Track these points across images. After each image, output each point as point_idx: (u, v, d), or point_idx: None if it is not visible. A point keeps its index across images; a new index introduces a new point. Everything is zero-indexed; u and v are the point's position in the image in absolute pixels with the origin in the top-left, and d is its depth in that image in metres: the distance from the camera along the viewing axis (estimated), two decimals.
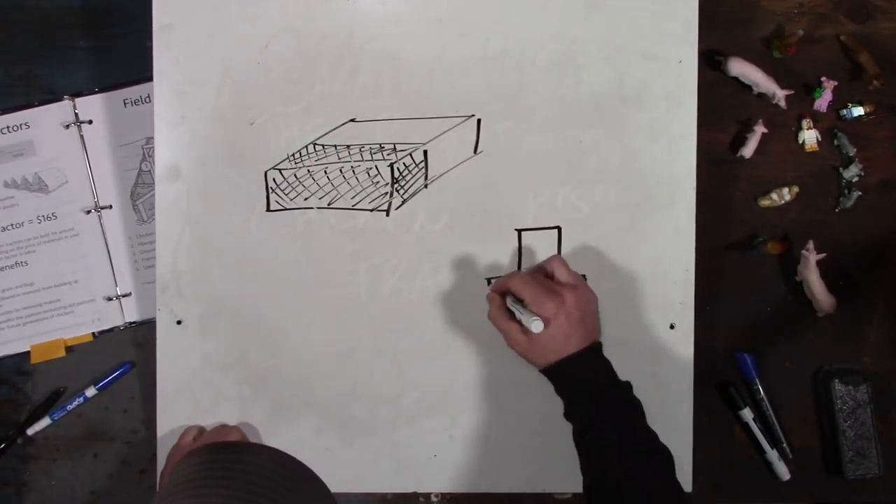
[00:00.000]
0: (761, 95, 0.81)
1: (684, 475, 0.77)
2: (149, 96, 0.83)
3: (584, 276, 0.77)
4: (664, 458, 0.66)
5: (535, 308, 0.68)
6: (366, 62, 0.77)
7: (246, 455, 0.57)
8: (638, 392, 0.77)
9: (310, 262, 0.77)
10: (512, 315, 0.71)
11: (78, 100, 0.83)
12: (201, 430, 0.76)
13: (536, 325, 0.66)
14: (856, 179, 0.82)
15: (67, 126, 0.83)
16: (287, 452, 0.60)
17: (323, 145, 0.77)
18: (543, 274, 0.74)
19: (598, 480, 0.65)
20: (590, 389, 0.68)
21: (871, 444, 0.78)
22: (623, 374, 0.77)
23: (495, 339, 0.77)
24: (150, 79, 0.77)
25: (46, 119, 0.83)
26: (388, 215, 0.77)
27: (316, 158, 0.77)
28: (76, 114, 0.83)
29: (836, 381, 0.79)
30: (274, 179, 0.77)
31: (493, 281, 0.76)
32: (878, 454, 0.78)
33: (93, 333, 0.83)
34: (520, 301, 0.70)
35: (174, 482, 0.56)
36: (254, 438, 0.77)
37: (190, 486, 0.54)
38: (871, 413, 0.79)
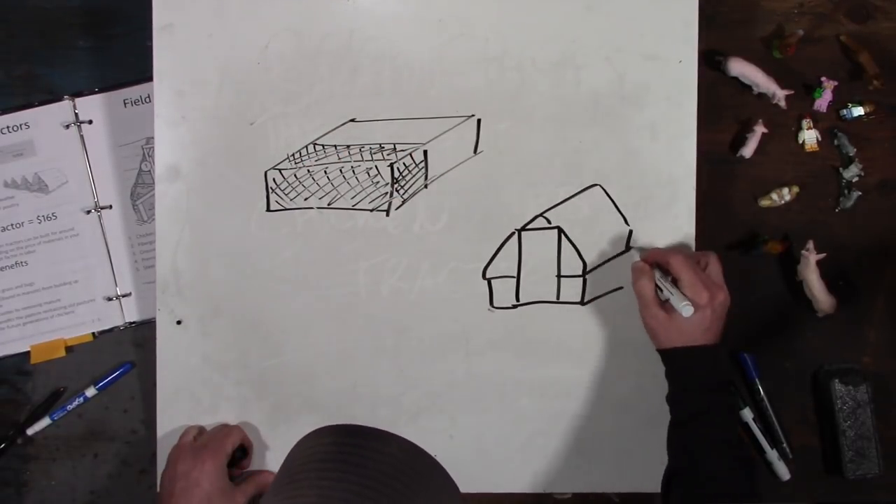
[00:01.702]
0: (761, 95, 0.81)
1: None
2: (149, 96, 0.83)
3: (584, 278, 0.77)
4: (752, 469, 0.68)
5: (690, 293, 0.68)
6: (366, 62, 0.77)
7: (377, 442, 0.55)
8: (638, 392, 0.77)
9: (310, 262, 0.77)
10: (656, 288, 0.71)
11: (78, 100, 0.83)
12: (201, 429, 0.76)
13: (686, 310, 0.66)
14: (856, 179, 0.82)
15: (67, 126, 0.83)
16: (414, 443, 0.58)
17: (323, 145, 0.77)
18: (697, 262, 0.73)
19: (687, 469, 0.67)
20: (706, 384, 0.69)
21: (871, 443, 0.78)
22: (623, 373, 0.77)
23: (495, 339, 0.77)
24: (150, 79, 0.77)
25: (46, 119, 0.83)
26: (388, 215, 0.77)
27: (316, 158, 0.77)
28: (76, 114, 0.83)
29: (836, 380, 0.79)
30: (274, 179, 0.77)
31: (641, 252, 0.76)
32: (878, 454, 0.78)
33: (93, 333, 0.83)
34: (668, 279, 0.70)
35: (301, 459, 0.54)
36: (254, 438, 0.77)
37: (316, 466, 0.52)
38: (871, 413, 0.78)
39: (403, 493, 0.51)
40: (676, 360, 0.70)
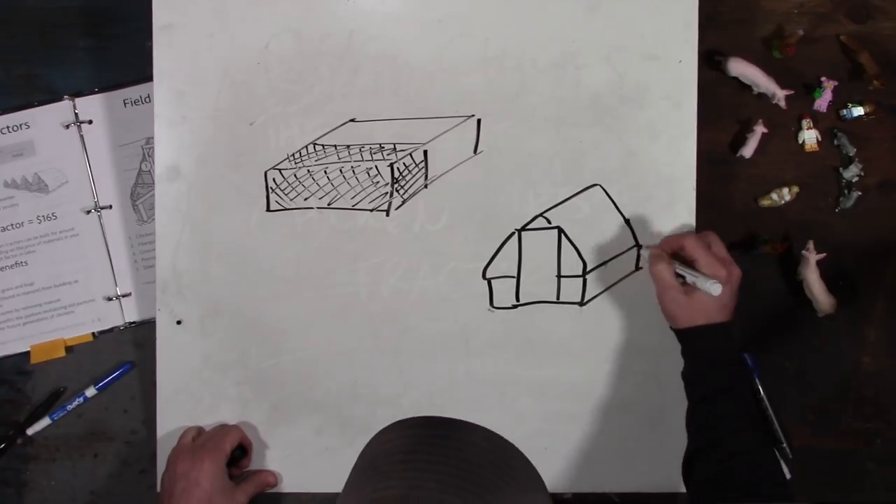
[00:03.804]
0: (761, 95, 0.81)
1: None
2: (149, 96, 0.83)
3: (584, 278, 0.77)
4: (774, 443, 0.69)
5: (711, 272, 0.68)
6: (366, 62, 0.77)
7: (461, 432, 0.55)
8: (638, 392, 0.77)
9: (310, 262, 0.77)
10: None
11: (78, 100, 0.83)
12: (200, 430, 0.76)
13: (716, 288, 0.67)
14: (856, 179, 0.82)
15: (67, 126, 0.83)
16: (497, 433, 0.58)
17: (323, 145, 0.77)
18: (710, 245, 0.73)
19: (710, 446, 0.66)
20: (726, 360, 0.69)
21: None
22: (623, 373, 0.77)
23: (495, 339, 0.77)
24: (150, 79, 0.77)
25: (46, 119, 0.83)
26: (388, 215, 0.77)
27: (316, 158, 0.77)
28: (76, 114, 0.83)
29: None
30: (274, 179, 0.77)
31: (658, 241, 0.76)
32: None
33: (93, 333, 0.83)
34: (685, 263, 0.71)
35: (386, 452, 0.53)
36: (253, 437, 0.77)
37: (402, 457, 0.51)
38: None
39: (493, 481, 0.51)
40: (698, 338, 0.70)
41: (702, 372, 0.70)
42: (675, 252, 0.72)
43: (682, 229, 0.77)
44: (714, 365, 0.69)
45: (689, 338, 0.70)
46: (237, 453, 0.75)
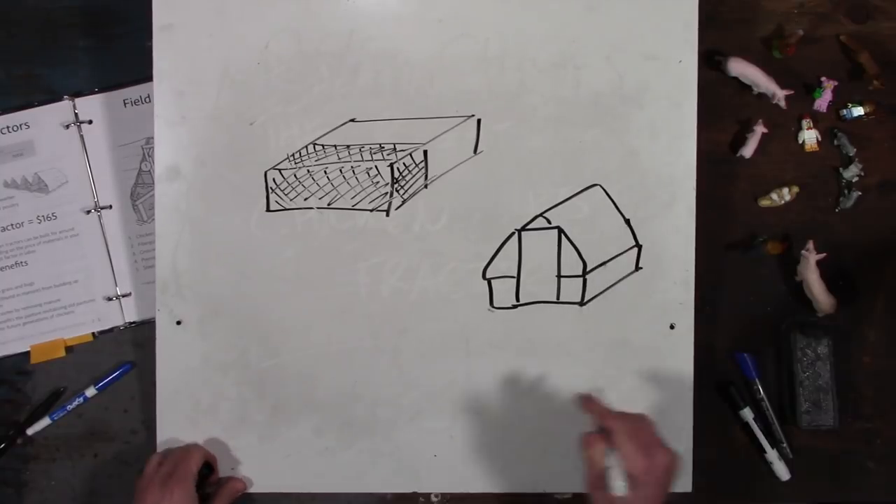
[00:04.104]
0: (761, 95, 0.81)
1: (684, 475, 0.77)
2: (149, 96, 0.83)
3: (584, 278, 0.77)
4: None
5: (628, 462, 0.62)
6: (366, 62, 0.77)
7: None
8: (638, 392, 0.77)
9: (310, 262, 0.77)
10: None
11: (78, 100, 0.83)
12: (165, 454, 0.75)
13: (619, 488, 0.62)
14: (856, 179, 0.82)
15: (67, 126, 0.83)
16: None
17: (323, 145, 0.77)
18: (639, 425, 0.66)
19: None
20: None
21: (827, 396, 0.79)
22: (623, 373, 0.77)
23: (495, 339, 0.77)
24: (150, 79, 0.77)
25: (46, 119, 0.83)
26: (388, 215, 0.77)
27: (316, 158, 0.77)
28: (76, 114, 0.83)
29: (798, 332, 0.79)
30: (274, 179, 0.77)
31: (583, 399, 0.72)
32: (835, 408, 0.79)
33: (93, 333, 0.83)
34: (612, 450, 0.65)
35: None
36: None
37: None
38: (830, 367, 0.79)
39: None
40: None
41: None
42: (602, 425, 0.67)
43: (682, 229, 0.77)
44: None
45: None
46: (204, 471, 0.75)
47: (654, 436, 0.65)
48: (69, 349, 0.83)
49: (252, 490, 0.78)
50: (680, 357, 0.77)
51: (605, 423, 0.67)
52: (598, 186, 0.77)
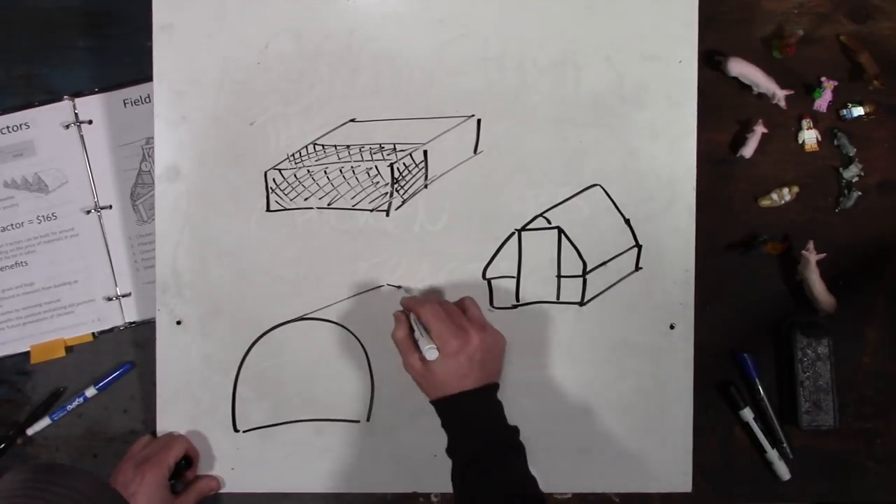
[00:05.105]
0: (761, 95, 0.81)
1: (684, 475, 0.77)
2: (149, 96, 0.83)
3: (584, 278, 0.77)
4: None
5: (440, 342, 0.67)
6: (366, 62, 0.77)
7: (67, 479, 0.56)
8: (638, 392, 0.77)
9: (310, 262, 0.77)
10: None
11: (78, 100, 0.83)
12: (151, 438, 0.76)
13: (431, 353, 0.67)
14: (856, 179, 0.82)
15: (67, 126, 0.83)
16: (107, 482, 0.58)
17: (323, 145, 0.77)
18: (458, 308, 0.72)
19: None
20: (476, 428, 0.67)
21: (828, 396, 0.79)
22: (623, 373, 0.77)
23: None
24: (150, 79, 0.77)
25: (46, 119, 0.83)
26: (388, 215, 0.77)
27: (316, 158, 0.77)
28: (76, 114, 0.83)
29: (799, 332, 0.79)
30: (274, 179, 0.77)
31: (403, 296, 0.76)
32: (835, 408, 0.79)
33: (93, 333, 0.83)
34: (422, 326, 0.70)
35: None
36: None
37: (3, 503, 0.53)
38: (830, 367, 0.79)
39: None
40: (443, 411, 0.69)
41: (453, 444, 0.68)
42: (414, 313, 0.71)
43: (682, 229, 0.77)
44: (463, 435, 0.67)
45: (438, 411, 0.69)
46: (182, 465, 0.75)
47: (470, 319, 0.70)
48: (69, 349, 0.83)
49: (252, 490, 0.78)
50: (680, 357, 0.77)
51: (414, 309, 0.71)
52: (598, 186, 0.77)
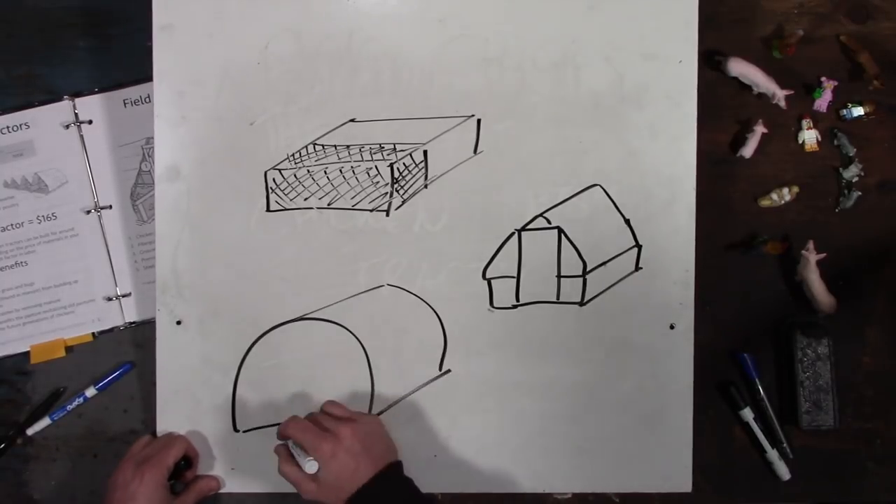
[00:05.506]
0: (761, 95, 0.81)
1: (684, 475, 0.77)
2: (149, 96, 0.83)
3: (584, 278, 0.77)
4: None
5: (313, 452, 0.68)
6: (366, 62, 0.77)
7: None
8: (638, 392, 0.77)
9: (310, 262, 0.77)
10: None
11: (78, 100, 0.83)
12: (151, 438, 0.77)
13: (311, 466, 0.67)
14: (856, 179, 0.82)
15: (67, 126, 0.83)
16: None
17: (323, 145, 0.77)
18: (323, 412, 0.74)
19: None
20: None
21: (828, 396, 0.79)
22: (623, 373, 0.77)
23: (495, 339, 0.77)
24: (150, 79, 0.77)
25: (46, 119, 0.83)
26: (388, 215, 0.77)
27: (316, 158, 0.77)
28: (76, 114, 0.83)
29: (799, 332, 0.79)
30: (274, 179, 0.77)
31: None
32: (835, 408, 0.79)
33: (93, 333, 0.83)
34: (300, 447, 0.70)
35: None
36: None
37: None
38: (830, 367, 0.79)
39: None
40: None
41: None
42: (289, 439, 0.71)
43: (682, 229, 0.77)
44: None
45: None
46: (181, 465, 0.75)
47: (333, 419, 0.71)
48: (69, 349, 0.83)
49: (252, 490, 0.78)
50: (680, 357, 0.77)
51: (283, 433, 0.71)
52: (598, 186, 0.77)
